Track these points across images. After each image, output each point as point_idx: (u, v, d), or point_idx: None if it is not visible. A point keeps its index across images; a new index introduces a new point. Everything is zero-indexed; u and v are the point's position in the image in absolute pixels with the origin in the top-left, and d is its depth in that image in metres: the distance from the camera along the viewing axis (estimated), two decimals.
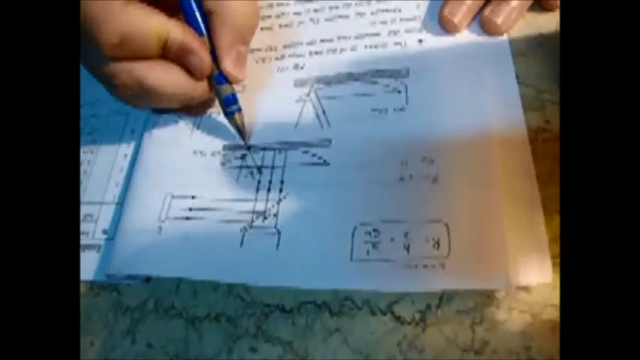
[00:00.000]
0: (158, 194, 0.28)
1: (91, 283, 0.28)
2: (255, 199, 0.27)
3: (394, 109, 0.27)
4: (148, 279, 0.27)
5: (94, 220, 0.29)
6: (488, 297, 0.23)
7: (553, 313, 0.22)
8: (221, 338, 0.24)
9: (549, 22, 0.28)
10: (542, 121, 0.26)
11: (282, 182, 0.27)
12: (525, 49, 0.28)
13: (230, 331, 0.24)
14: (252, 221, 0.26)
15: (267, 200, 0.26)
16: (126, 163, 0.31)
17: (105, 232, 0.29)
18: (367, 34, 0.30)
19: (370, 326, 0.23)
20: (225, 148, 0.29)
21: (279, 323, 0.24)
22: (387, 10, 0.31)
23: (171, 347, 0.25)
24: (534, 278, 0.22)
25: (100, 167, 0.31)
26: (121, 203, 0.29)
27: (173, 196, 0.28)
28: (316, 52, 0.31)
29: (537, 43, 0.28)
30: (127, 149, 0.31)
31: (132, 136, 0.32)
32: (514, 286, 0.22)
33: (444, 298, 0.23)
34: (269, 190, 0.27)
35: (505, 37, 0.28)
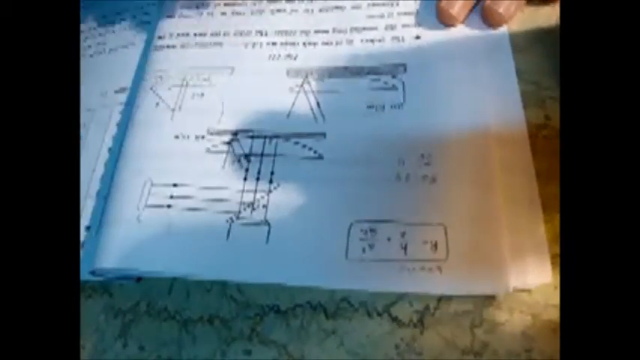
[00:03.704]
0: (137, 181, 0.27)
1: (83, 285, 0.27)
2: (243, 189, 0.25)
3: (391, 106, 0.26)
4: (138, 278, 0.26)
5: None
6: (487, 298, 0.22)
7: (554, 314, 0.21)
8: (215, 341, 0.24)
9: (549, 16, 0.28)
10: (543, 117, 0.25)
11: (272, 173, 0.26)
12: (525, 44, 0.27)
13: (224, 334, 0.24)
14: (240, 212, 0.25)
15: (255, 191, 0.25)
16: (109, 157, 0.30)
17: (88, 228, 0.28)
18: (364, 28, 0.30)
19: (367, 328, 0.23)
20: (209, 132, 0.28)
21: (273, 325, 0.24)
22: (383, 4, 0.30)
23: (164, 350, 0.24)
24: (534, 280, 0.21)
25: (85, 162, 0.30)
26: (106, 197, 0.28)
27: (152, 184, 0.26)
28: (310, 43, 0.30)
29: (537, 38, 0.28)
30: (111, 143, 0.30)
31: (116, 130, 0.31)
32: (513, 290, 0.21)
33: (443, 299, 0.23)
34: (258, 179, 0.25)
35: (505, 30, 0.28)
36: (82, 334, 0.26)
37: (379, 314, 0.23)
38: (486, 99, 0.25)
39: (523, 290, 0.22)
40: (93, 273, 0.25)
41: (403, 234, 0.23)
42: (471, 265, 0.22)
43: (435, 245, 0.22)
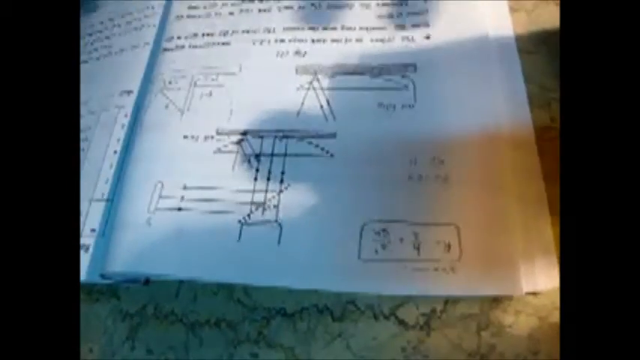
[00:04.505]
0: (147, 184, 0.26)
1: (90, 288, 0.27)
2: (254, 189, 0.25)
3: (402, 106, 0.26)
4: (146, 281, 0.26)
5: (82, 218, 0.28)
6: (494, 300, 0.22)
7: None
8: (222, 344, 0.24)
9: (554, 19, 0.28)
10: (548, 119, 0.25)
11: (282, 172, 0.25)
12: (530, 46, 0.27)
13: (231, 337, 0.24)
14: (251, 213, 0.25)
15: (266, 191, 0.25)
16: (116, 159, 0.30)
17: (93, 230, 0.28)
18: (373, 28, 0.29)
19: (373, 331, 0.23)
20: (219, 132, 0.27)
21: (280, 328, 0.24)
22: (393, 4, 0.30)
23: (171, 353, 0.24)
24: (542, 283, 0.21)
25: (90, 164, 0.30)
26: (112, 200, 0.28)
27: (163, 186, 0.26)
28: (319, 40, 0.30)
29: (542, 40, 0.28)
30: (117, 145, 0.30)
31: (123, 132, 0.31)
32: (524, 292, 0.21)
33: (449, 301, 0.23)
34: (269, 179, 0.25)
35: (511, 32, 0.28)
36: (90, 337, 0.26)
37: (386, 317, 0.23)
38: (496, 100, 0.25)
39: (530, 293, 0.22)
40: (103, 276, 0.26)
41: (416, 234, 0.23)
42: (484, 266, 0.22)
43: (449, 246, 0.22)
